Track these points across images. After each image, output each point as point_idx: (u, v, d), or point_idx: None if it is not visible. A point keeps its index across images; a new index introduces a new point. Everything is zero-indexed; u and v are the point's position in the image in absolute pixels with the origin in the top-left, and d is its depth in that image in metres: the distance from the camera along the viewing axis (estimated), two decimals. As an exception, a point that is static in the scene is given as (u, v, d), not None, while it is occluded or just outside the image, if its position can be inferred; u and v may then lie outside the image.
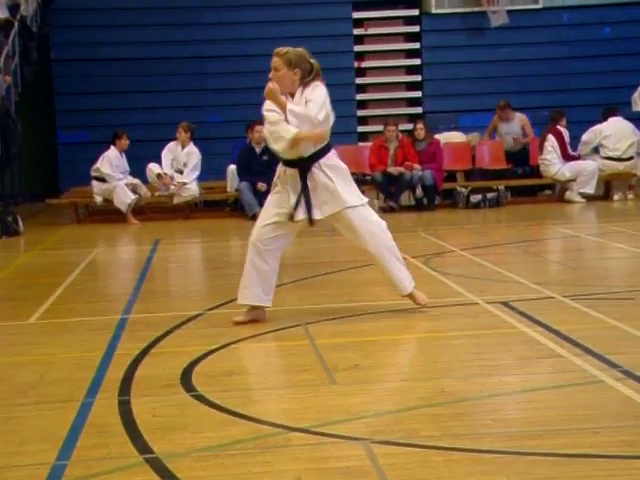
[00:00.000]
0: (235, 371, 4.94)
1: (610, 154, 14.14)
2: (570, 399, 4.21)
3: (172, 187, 14.03)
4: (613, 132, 14.10)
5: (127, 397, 4.51)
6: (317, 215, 6.00)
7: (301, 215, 5.98)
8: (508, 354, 5.09)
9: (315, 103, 5.88)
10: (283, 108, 5.86)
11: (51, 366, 5.22)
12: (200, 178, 14.45)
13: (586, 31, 18.36)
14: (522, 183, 14.62)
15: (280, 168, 6.13)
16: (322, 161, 6.02)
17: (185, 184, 14.03)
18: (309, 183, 5.99)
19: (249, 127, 14.02)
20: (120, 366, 5.09)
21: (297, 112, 5.86)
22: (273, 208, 6.07)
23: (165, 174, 14.00)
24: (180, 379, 4.79)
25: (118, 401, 4.45)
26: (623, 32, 18.33)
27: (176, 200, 14.11)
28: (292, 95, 5.98)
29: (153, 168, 14.09)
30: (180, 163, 14.21)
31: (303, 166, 6.00)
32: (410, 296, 6.20)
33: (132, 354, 5.36)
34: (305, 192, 5.97)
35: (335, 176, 6.01)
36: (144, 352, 5.43)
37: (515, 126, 15.04)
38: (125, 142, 14.17)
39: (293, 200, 5.98)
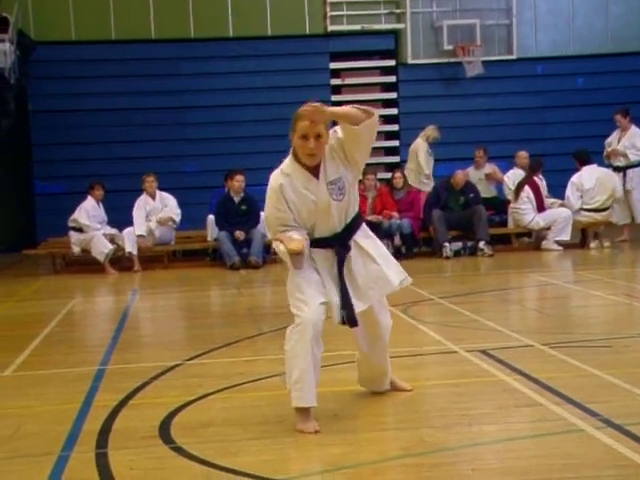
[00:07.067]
0: (214, 422, 4.90)
1: (588, 206, 14.25)
2: (550, 448, 4.20)
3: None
4: (593, 185, 14.19)
5: (104, 450, 4.47)
6: (359, 307, 4.78)
7: (338, 316, 4.79)
8: (487, 403, 5.08)
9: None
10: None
11: (26, 419, 5.16)
12: (178, 227, 14.49)
13: (559, 81, 18.65)
14: (500, 231, 14.71)
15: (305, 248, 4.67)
16: (357, 236, 4.81)
17: (174, 221, 14.25)
18: (345, 268, 4.74)
19: (228, 176, 14.11)
20: (98, 418, 5.05)
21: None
22: (318, 285, 4.72)
23: (141, 235, 13.99)
24: (158, 431, 4.75)
25: (95, 454, 4.40)
26: (595, 83, 18.63)
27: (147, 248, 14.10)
28: (312, 168, 4.71)
29: (135, 232, 14.03)
30: (158, 211, 14.23)
31: (339, 245, 4.72)
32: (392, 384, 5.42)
33: (110, 406, 5.31)
34: (343, 284, 4.71)
35: (376, 252, 4.85)
36: (122, 403, 5.38)
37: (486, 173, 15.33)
38: (99, 192, 14.17)
39: (333, 296, 4.72)
